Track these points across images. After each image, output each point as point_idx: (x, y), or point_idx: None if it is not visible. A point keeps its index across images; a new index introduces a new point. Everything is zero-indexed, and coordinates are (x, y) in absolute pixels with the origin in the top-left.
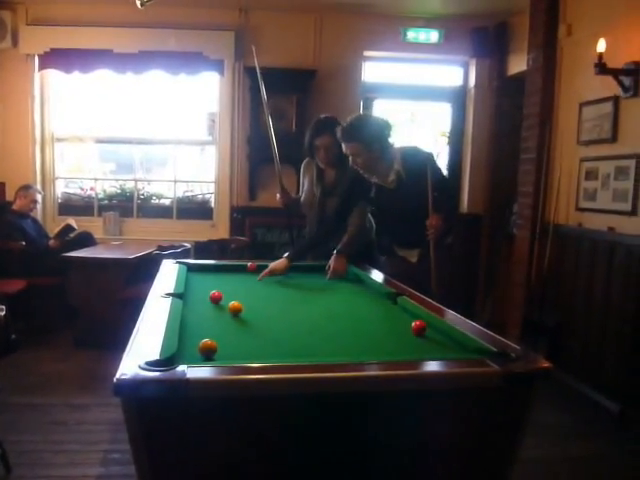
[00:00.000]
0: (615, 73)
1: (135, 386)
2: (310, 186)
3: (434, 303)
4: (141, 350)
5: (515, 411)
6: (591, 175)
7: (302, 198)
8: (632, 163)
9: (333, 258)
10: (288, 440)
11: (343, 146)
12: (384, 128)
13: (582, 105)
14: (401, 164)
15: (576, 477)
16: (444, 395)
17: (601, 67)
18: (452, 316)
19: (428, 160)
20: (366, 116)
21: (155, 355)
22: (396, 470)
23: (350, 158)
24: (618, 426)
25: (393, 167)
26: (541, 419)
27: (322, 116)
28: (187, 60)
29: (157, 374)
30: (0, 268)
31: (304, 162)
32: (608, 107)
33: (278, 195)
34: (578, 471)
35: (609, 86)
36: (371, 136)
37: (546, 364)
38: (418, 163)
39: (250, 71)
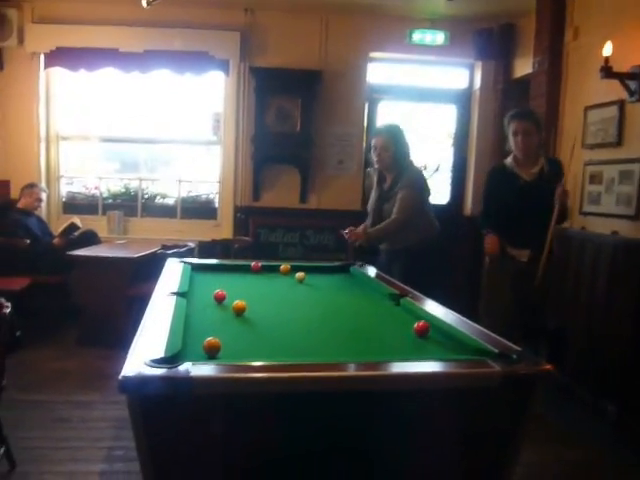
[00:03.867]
0: (621, 77)
1: (140, 383)
2: (372, 192)
3: (436, 304)
4: (146, 348)
5: (515, 412)
6: (595, 179)
7: (368, 205)
8: (637, 167)
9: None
10: (291, 438)
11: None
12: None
13: (587, 109)
14: (545, 163)
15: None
16: (446, 395)
17: (607, 71)
18: (454, 317)
19: (562, 172)
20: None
21: (160, 353)
22: (398, 469)
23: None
24: (615, 429)
25: (539, 162)
26: (538, 421)
27: (387, 122)
28: (193, 60)
29: (162, 371)
30: (4, 266)
31: (367, 170)
32: (613, 111)
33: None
34: (574, 474)
35: (615, 90)
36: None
37: (547, 366)
38: (557, 170)
39: (255, 71)
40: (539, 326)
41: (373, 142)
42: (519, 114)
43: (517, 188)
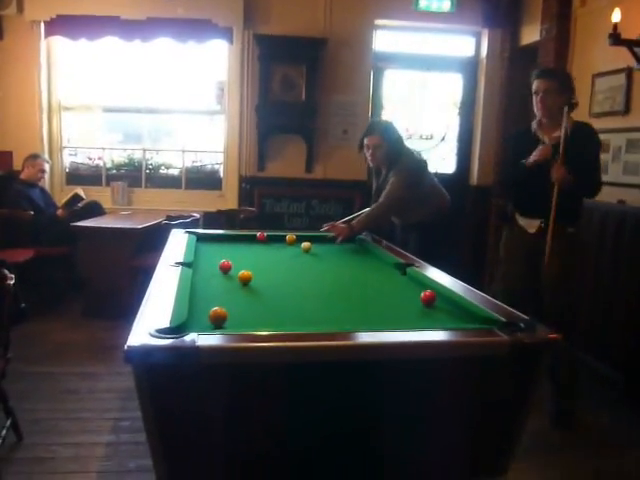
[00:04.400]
0: (629, 44)
1: (146, 353)
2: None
3: (442, 273)
4: (152, 318)
5: (523, 381)
6: (602, 148)
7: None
8: None
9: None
10: (299, 408)
11: (535, 83)
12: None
13: (595, 76)
14: (569, 126)
15: (579, 448)
16: (453, 364)
17: (615, 38)
18: (461, 286)
19: (596, 140)
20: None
21: (166, 323)
22: (404, 438)
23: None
24: (622, 397)
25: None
26: (544, 390)
27: (375, 118)
28: (195, 27)
29: (168, 341)
30: (8, 238)
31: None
32: (621, 79)
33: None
34: (581, 442)
35: (623, 57)
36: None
37: (554, 334)
38: (583, 137)
39: (259, 39)
40: (556, 315)
41: (365, 142)
42: (540, 72)
43: (531, 152)
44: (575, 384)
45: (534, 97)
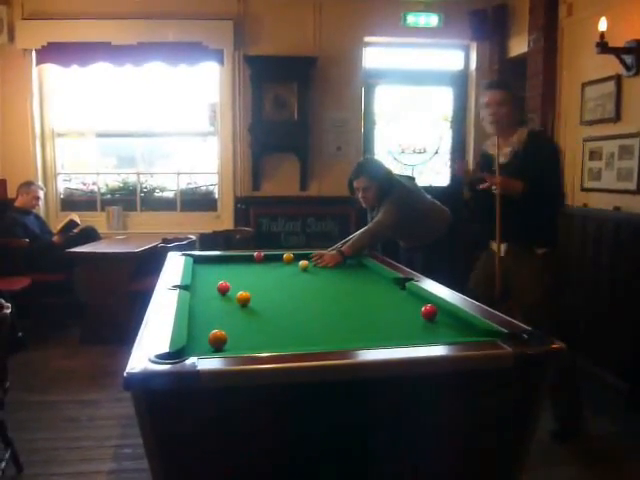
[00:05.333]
0: (617, 52)
1: (146, 379)
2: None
3: (442, 287)
4: (150, 343)
5: (528, 392)
6: (595, 155)
7: None
8: (636, 142)
9: (329, 252)
10: (302, 429)
11: (486, 95)
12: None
13: (584, 85)
14: (522, 140)
15: (583, 455)
16: (457, 378)
17: (603, 46)
18: (462, 299)
19: (551, 149)
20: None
21: (165, 348)
22: (410, 456)
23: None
24: (627, 405)
25: (511, 140)
26: (547, 398)
27: (360, 159)
28: (186, 50)
29: (167, 367)
30: (4, 266)
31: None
32: (610, 86)
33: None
34: (585, 450)
35: (611, 65)
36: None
37: (558, 345)
38: (537, 146)
39: (250, 60)
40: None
41: (355, 185)
42: (491, 83)
43: (492, 172)
44: (575, 401)
45: (484, 110)
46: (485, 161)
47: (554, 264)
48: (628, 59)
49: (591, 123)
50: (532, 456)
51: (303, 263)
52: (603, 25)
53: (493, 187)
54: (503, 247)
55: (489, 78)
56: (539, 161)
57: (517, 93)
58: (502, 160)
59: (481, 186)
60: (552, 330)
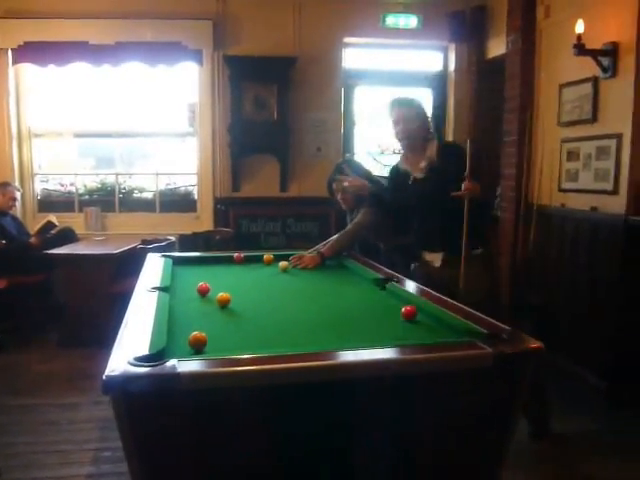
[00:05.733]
0: (594, 54)
1: (125, 382)
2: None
3: (423, 288)
4: (130, 345)
5: (508, 391)
6: (573, 156)
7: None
8: (613, 143)
9: (309, 254)
10: (283, 431)
11: (394, 112)
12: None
13: (562, 86)
14: (435, 153)
15: (562, 453)
16: (437, 379)
17: (580, 48)
18: (442, 300)
19: (463, 150)
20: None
21: (144, 350)
22: (390, 455)
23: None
24: (605, 403)
25: (426, 155)
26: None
27: (340, 160)
28: (165, 50)
29: (147, 369)
30: None
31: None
32: (588, 88)
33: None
34: (564, 447)
35: (588, 67)
36: (421, 108)
37: (537, 344)
38: (453, 154)
39: (229, 60)
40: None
41: (334, 187)
42: (398, 100)
43: (410, 188)
44: (543, 401)
45: (394, 127)
46: (401, 177)
47: (491, 262)
48: (605, 61)
49: (569, 124)
50: (512, 455)
51: (283, 264)
52: (580, 27)
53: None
54: (439, 257)
55: (468, 79)
56: (457, 165)
57: (419, 107)
58: (419, 175)
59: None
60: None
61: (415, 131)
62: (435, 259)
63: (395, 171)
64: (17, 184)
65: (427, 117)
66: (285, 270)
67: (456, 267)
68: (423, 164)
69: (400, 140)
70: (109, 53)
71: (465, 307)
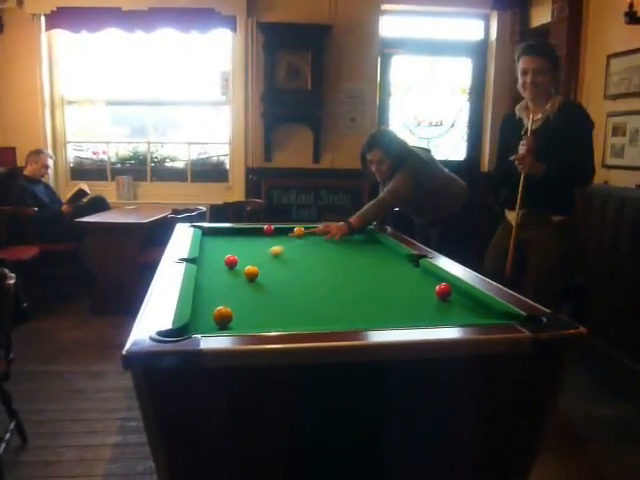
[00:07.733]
0: None
1: (145, 358)
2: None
3: (457, 265)
4: (153, 319)
5: (547, 378)
6: (618, 131)
7: None
8: None
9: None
10: (307, 412)
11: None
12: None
13: (610, 57)
14: (555, 108)
15: (602, 438)
16: (472, 363)
17: (631, 16)
18: (478, 278)
19: (585, 120)
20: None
21: (168, 324)
22: (421, 440)
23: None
24: None
25: (545, 107)
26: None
27: (374, 130)
28: (198, 17)
29: (169, 346)
30: (13, 235)
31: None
32: (638, 59)
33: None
34: (603, 432)
35: (639, 37)
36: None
37: (580, 329)
38: (570, 118)
39: (263, 27)
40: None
41: (368, 158)
42: (529, 48)
43: (520, 137)
44: None
45: (521, 77)
46: (512, 125)
47: (571, 232)
48: None
49: (616, 97)
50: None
51: (275, 249)
52: None
53: (518, 164)
54: (519, 214)
55: (510, 49)
56: (572, 131)
57: (556, 59)
58: (532, 126)
59: (511, 157)
60: (555, 298)
61: (541, 84)
62: (514, 218)
63: (508, 119)
64: (50, 152)
65: (559, 69)
66: (278, 255)
67: (535, 227)
68: (539, 116)
69: (523, 91)
70: (142, 19)
71: (502, 287)
